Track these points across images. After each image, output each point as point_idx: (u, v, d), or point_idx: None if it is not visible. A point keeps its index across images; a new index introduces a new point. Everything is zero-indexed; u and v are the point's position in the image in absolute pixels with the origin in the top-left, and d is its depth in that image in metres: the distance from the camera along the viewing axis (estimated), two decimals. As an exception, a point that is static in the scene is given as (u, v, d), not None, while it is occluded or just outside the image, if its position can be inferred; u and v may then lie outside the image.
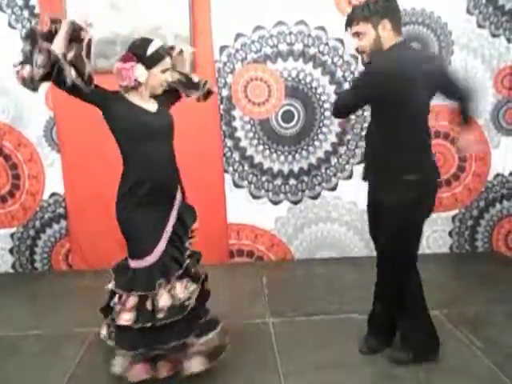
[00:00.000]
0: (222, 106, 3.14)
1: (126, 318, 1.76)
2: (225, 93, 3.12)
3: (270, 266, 3.31)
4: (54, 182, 3.21)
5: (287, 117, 3.18)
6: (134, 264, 1.82)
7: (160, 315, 1.76)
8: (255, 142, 3.22)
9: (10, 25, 2.97)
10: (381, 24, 1.81)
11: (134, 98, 1.81)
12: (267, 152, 3.24)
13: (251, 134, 3.21)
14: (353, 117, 3.16)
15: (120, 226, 1.84)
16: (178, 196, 1.95)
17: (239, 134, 3.21)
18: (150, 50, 1.77)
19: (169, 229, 1.87)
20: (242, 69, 3.10)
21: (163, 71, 1.83)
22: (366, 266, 3.08)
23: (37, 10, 2.95)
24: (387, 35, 1.82)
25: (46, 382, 2.04)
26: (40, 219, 3.26)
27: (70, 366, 2.11)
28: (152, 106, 1.87)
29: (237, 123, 3.19)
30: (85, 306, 2.57)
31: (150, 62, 1.78)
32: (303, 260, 3.37)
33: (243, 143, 3.23)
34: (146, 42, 1.80)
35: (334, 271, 3.16)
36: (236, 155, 3.24)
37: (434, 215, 3.30)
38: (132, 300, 1.78)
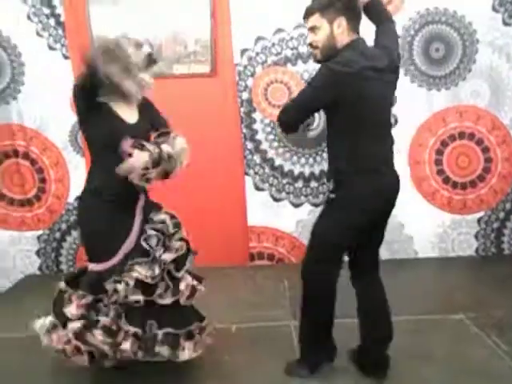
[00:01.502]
0: (242, 109, 3.16)
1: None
2: (245, 96, 3.14)
3: (290, 268, 3.29)
4: (78, 186, 3.26)
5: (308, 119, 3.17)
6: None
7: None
8: (276, 144, 3.23)
9: (38, 34, 3.06)
10: (336, 21, 1.73)
11: (116, 105, 1.81)
12: (288, 154, 3.24)
13: (272, 137, 3.21)
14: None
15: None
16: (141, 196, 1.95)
17: (260, 136, 3.22)
18: (144, 53, 1.79)
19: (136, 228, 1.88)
20: (262, 72, 3.11)
21: (150, 75, 1.84)
22: (386, 269, 3.04)
23: (62, 18, 3.03)
24: (341, 33, 1.74)
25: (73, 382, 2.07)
26: (66, 222, 3.34)
27: (93, 367, 2.14)
28: (132, 117, 1.87)
29: (257, 126, 3.20)
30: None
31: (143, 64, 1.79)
32: (324, 263, 3.33)
33: (264, 146, 3.23)
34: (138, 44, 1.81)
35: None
36: (257, 158, 3.25)
37: (459, 218, 3.29)
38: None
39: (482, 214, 3.32)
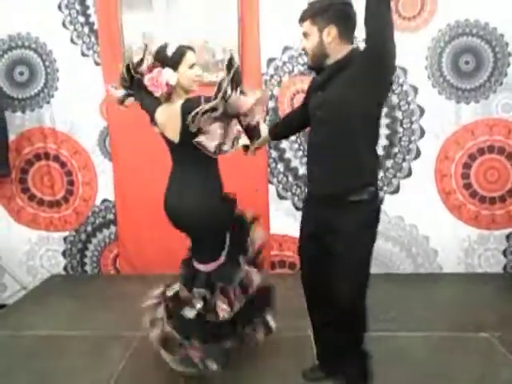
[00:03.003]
0: (267, 118, 3.17)
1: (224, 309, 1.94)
2: (271, 105, 3.16)
3: (312, 278, 3.27)
4: (105, 189, 3.35)
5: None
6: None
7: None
8: (300, 153, 3.22)
9: (72, 41, 3.17)
10: (326, 29, 1.68)
11: None
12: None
13: (296, 146, 3.22)
14: (400, 129, 3.12)
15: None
16: None
17: (284, 145, 3.22)
18: (170, 51, 1.79)
19: None
20: (288, 81, 3.13)
21: (190, 67, 1.81)
22: (410, 283, 2.98)
23: (96, 27, 3.13)
24: (331, 42, 1.69)
25: (92, 383, 2.10)
26: (91, 224, 3.41)
27: (115, 369, 2.17)
28: None
29: (282, 135, 3.20)
30: (132, 310, 2.62)
31: (174, 62, 1.78)
32: (346, 274, 3.30)
33: (288, 154, 3.24)
34: (164, 46, 1.81)
35: (377, 287, 3.07)
36: (280, 166, 3.25)
37: (486, 233, 3.21)
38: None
39: (511, 230, 3.23)
